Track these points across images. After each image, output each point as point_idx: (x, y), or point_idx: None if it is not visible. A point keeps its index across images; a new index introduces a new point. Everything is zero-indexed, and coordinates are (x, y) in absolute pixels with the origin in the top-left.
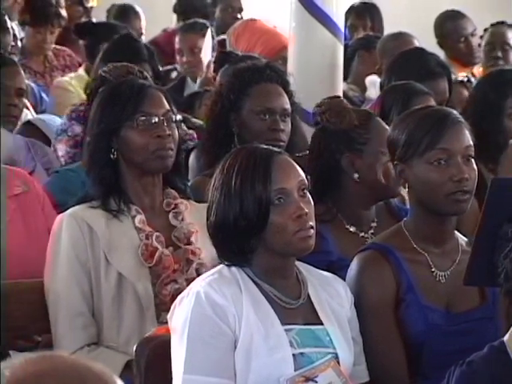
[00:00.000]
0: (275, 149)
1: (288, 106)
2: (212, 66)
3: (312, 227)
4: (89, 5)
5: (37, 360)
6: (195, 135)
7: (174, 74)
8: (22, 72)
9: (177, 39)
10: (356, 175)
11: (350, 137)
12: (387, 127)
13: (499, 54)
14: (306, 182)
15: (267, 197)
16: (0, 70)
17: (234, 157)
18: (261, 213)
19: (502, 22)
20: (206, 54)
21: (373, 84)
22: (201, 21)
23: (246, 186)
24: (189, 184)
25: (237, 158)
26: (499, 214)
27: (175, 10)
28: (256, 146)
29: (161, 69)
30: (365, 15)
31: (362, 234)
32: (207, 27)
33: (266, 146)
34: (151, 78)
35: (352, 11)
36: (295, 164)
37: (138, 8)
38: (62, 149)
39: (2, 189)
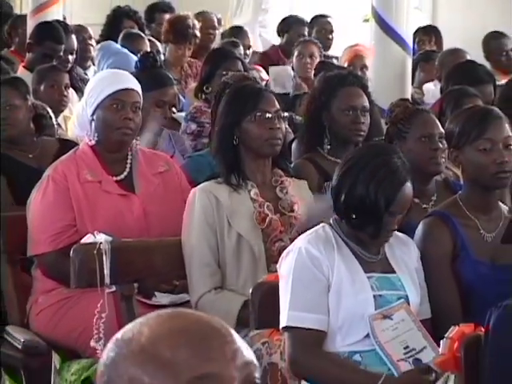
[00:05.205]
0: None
1: (367, 104)
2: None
3: None
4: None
5: (171, 316)
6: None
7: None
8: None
9: (297, 44)
10: None
11: (397, 127)
12: (432, 121)
13: None
14: None
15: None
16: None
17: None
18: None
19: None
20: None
21: (428, 90)
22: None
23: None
24: (291, 165)
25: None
26: None
27: (277, 30)
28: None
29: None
30: (430, 33)
31: (425, 205)
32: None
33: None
34: None
35: (420, 30)
36: None
37: (246, 28)
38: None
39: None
